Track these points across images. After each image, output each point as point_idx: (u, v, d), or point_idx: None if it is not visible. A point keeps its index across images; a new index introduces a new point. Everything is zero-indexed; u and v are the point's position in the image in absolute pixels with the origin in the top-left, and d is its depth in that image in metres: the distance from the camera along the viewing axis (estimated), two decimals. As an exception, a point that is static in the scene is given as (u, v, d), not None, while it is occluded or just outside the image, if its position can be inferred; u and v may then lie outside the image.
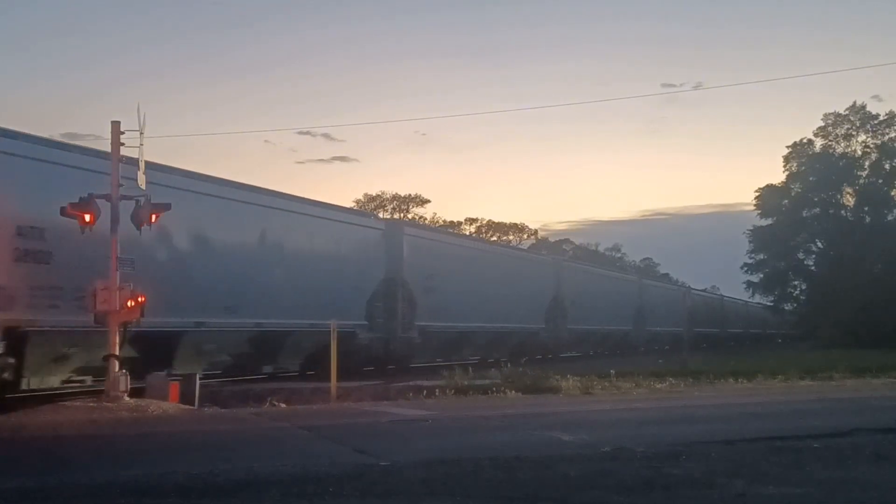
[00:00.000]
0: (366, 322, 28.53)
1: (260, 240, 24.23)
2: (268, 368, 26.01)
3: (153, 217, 16.52)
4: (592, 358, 43.73)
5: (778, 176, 69.96)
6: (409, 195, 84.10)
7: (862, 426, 13.62)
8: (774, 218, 66.57)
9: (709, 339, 66.22)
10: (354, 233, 29.02)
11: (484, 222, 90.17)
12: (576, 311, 45.97)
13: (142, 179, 16.70)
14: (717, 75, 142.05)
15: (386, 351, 30.35)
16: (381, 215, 67.68)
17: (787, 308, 75.19)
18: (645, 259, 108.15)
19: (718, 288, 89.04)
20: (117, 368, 16.21)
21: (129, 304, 16.14)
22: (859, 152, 65.87)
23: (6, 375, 16.60)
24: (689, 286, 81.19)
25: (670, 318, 59.75)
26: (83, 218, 15.97)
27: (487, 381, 21.71)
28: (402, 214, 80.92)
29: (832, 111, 66.05)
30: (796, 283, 71.68)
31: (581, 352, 48.47)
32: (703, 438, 12.25)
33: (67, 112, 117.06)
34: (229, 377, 23.17)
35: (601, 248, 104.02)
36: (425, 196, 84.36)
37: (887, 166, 64.54)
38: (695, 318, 62.37)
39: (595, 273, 57.46)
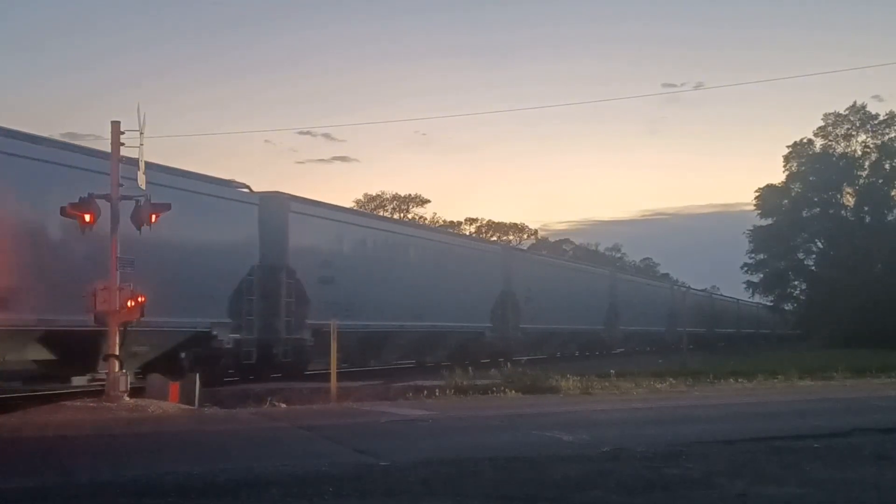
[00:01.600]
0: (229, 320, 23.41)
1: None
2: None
3: (153, 217, 16.51)
4: (553, 361, 37.06)
5: (778, 176, 70.11)
6: (409, 195, 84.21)
7: (862, 426, 13.62)
8: (774, 218, 66.61)
9: (695, 340, 61.56)
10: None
11: (484, 222, 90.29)
12: (531, 309, 41.09)
13: (141, 179, 16.71)
14: (718, 75, 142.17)
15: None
16: (381, 214, 67.64)
17: (786, 308, 75.24)
18: (645, 259, 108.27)
19: (718, 288, 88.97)
20: (117, 368, 16.20)
21: (129, 303, 16.14)
22: (859, 152, 65.93)
23: None
24: (681, 282, 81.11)
25: (650, 316, 57.84)
26: (83, 218, 15.98)
27: (487, 381, 21.72)
28: (402, 214, 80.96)
29: (832, 111, 66.27)
30: (796, 283, 71.76)
31: (543, 353, 43.43)
32: (703, 438, 12.25)
33: (68, 112, 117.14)
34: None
35: (601, 248, 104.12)
36: (425, 196, 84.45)
37: (887, 166, 64.57)
38: (678, 316, 60.38)
39: (555, 265, 52.42)
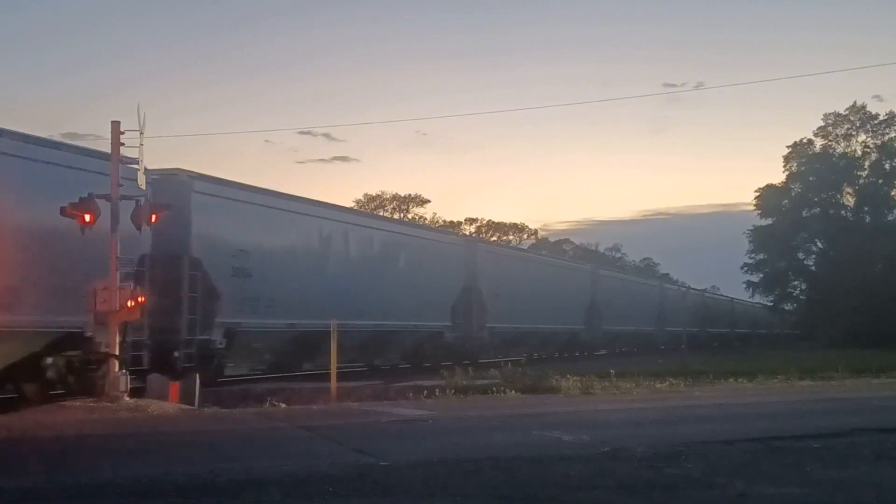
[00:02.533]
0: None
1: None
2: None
3: (153, 217, 16.51)
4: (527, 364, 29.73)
5: (778, 176, 70.11)
6: (409, 195, 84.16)
7: (862, 426, 13.62)
8: (774, 218, 66.61)
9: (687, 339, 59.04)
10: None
11: (484, 222, 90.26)
12: (499, 307, 37.38)
13: (141, 179, 16.71)
14: (718, 75, 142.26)
15: None
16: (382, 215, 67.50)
17: (787, 308, 75.22)
18: (645, 259, 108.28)
19: (718, 288, 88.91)
20: (117, 368, 16.20)
21: (129, 303, 16.14)
22: (859, 152, 65.93)
23: None
24: (681, 282, 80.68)
25: (636, 315, 54.46)
26: (83, 218, 15.98)
27: (487, 381, 21.72)
28: (402, 215, 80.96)
29: (832, 111, 66.26)
30: (796, 283, 71.75)
31: (515, 355, 35.30)
32: (703, 438, 12.25)
33: (69, 112, 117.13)
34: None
35: (601, 248, 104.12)
36: (425, 196, 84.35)
37: (887, 166, 64.58)
38: (666, 315, 59.83)
39: (528, 259, 48.75)
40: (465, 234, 64.12)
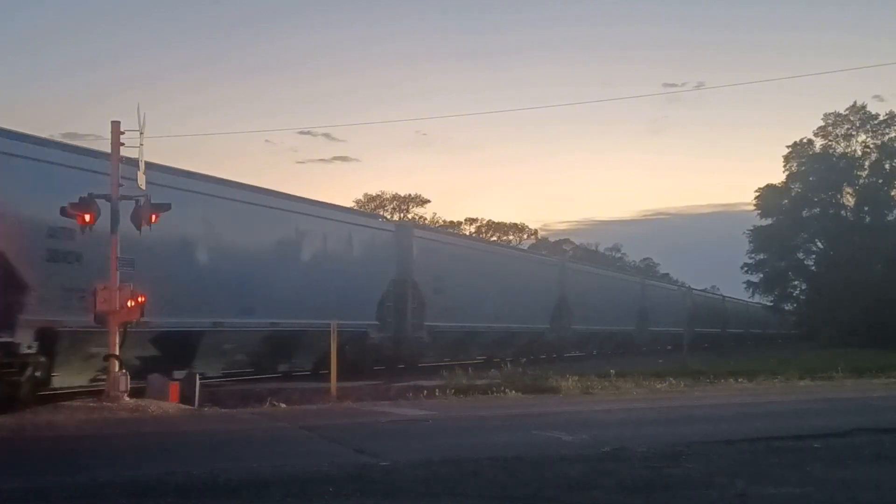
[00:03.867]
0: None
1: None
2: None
3: (153, 217, 16.51)
4: (477, 368, 27.33)
5: (778, 176, 70.15)
6: (409, 195, 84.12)
7: (862, 426, 13.63)
8: (774, 218, 66.64)
9: (673, 340, 56.89)
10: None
11: (484, 222, 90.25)
12: (441, 303, 32.68)
13: (142, 179, 16.70)
14: (719, 75, 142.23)
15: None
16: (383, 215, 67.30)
17: (787, 308, 75.21)
18: (645, 259, 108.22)
19: (718, 288, 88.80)
20: (117, 368, 16.21)
21: (129, 303, 16.13)
22: (859, 152, 65.95)
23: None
24: (683, 282, 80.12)
25: (613, 314, 50.19)
26: (83, 218, 15.97)
27: (487, 381, 21.72)
28: (402, 215, 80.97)
29: (832, 111, 66.27)
30: (796, 283, 71.77)
31: (465, 357, 34.19)
32: (703, 438, 12.25)
33: (70, 113, 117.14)
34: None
35: (601, 248, 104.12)
36: (425, 196, 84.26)
37: (887, 166, 64.58)
38: (648, 314, 57.17)
39: (478, 250, 43.01)
40: (396, 220, 57.03)
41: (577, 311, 45.16)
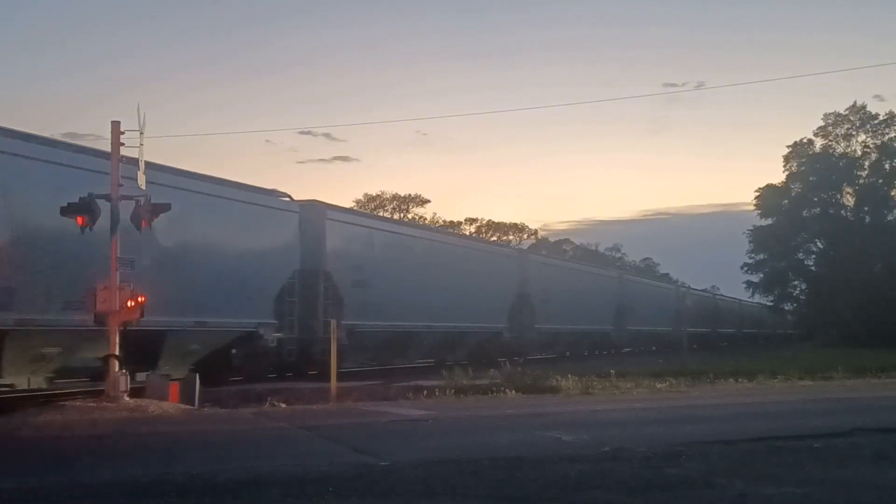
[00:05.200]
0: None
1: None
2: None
3: (153, 217, 16.49)
4: (417, 372, 28.16)
5: (778, 176, 70.22)
6: (409, 195, 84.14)
7: (862, 426, 13.62)
8: (774, 218, 66.68)
9: (657, 340, 57.25)
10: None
11: (484, 222, 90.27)
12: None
13: (141, 179, 16.68)
14: (719, 75, 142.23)
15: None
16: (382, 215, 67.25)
17: (786, 308, 75.19)
18: (645, 259, 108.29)
19: (718, 288, 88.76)
20: (117, 368, 16.20)
21: (129, 304, 16.12)
22: (859, 152, 65.99)
23: None
24: (682, 281, 79.80)
25: (588, 311, 47.21)
26: (81, 219, 15.96)
27: (487, 381, 21.72)
28: (402, 215, 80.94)
29: (832, 111, 66.30)
30: (796, 283, 71.83)
31: (406, 361, 32.36)
32: (703, 438, 12.24)
33: (70, 113, 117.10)
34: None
35: (601, 248, 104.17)
36: (425, 196, 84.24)
37: (887, 166, 64.62)
38: (626, 312, 54.13)
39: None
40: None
41: (541, 309, 41.55)
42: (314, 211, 27.36)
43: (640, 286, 60.79)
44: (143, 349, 19.76)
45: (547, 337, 42.57)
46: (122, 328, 16.36)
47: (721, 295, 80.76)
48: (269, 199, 25.54)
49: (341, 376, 24.73)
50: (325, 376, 22.54)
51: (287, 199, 26.10)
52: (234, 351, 23.15)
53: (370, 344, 28.97)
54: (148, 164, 16.82)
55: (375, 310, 28.47)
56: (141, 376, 18.33)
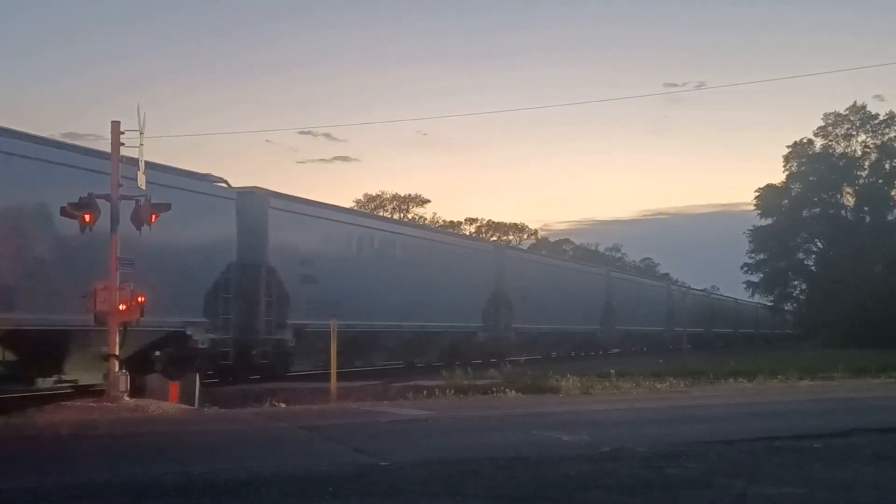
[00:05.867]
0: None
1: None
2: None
3: (153, 217, 16.50)
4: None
5: (778, 176, 70.17)
6: (409, 195, 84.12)
7: (862, 426, 13.63)
8: (774, 218, 66.68)
9: (643, 340, 56.57)
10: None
11: (484, 222, 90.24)
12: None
13: (141, 179, 16.69)
14: (719, 75, 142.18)
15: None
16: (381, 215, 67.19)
17: (786, 308, 75.16)
18: (645, 259, 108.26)
19: (718, 288, 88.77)
20: (117, 368, 16.20)
21: (129, 303, 16.12)
22: (859, 152, 65.98)
23: None
24: (680, 281, 79.39)
25: (567, 311, 44.49)
26: (83, 218, 15.97)
27: (487, 381, 21.72)
28: (401, 215, 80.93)
29: (832, 111, 66.29)
30: (796, 283, 71.84)
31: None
32: (703, 438, 12.25)
33: (70, 113, 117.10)
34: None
35: (601, 248, 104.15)
36: (425, 196, 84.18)
37: (887, 166, 64.62)
38: (614, 311, 51.18)
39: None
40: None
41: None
42: (254, 198, 24.91)
43: (629, 284, 57.70)
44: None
45: (526, 337, 40.15)
46: (121, 328, 16.38)
47: (717, 294, 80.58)
48: (200, 185, 23.00)
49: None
50: (275, 379, 22.85)
51: (223, 184, 23.92)
52: (157, 353, 20.70)
53: (321, 345, 22.66)
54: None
55: (328, 308, 24.83)
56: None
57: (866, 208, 65.14)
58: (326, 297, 26.01)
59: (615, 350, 52.63)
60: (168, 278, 19.73)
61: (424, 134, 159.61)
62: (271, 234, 24.74)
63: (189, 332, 21.57)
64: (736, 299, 79.13)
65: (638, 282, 64.95)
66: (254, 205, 24.54)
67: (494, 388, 20.43)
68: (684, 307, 57.72)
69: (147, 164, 16.87)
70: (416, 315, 31.02)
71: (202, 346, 22.05)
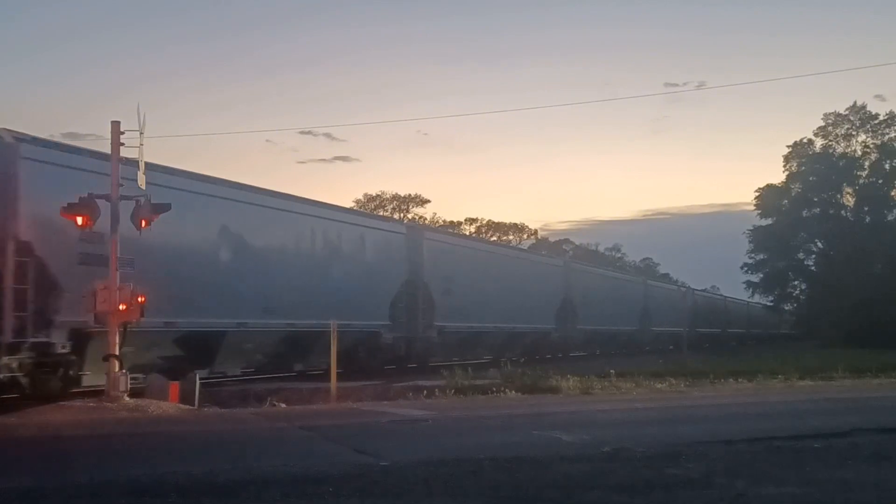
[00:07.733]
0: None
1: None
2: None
3: (153, 217, 16.49)
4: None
5: (778, 176, 70.18)
6: (409, 195, 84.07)
7: (862, 426, 13.62)
8: (774, 218, 66.65)
9: (627, 340, 54.19)
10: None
11: (484, 222, 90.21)
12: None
13: (141, 179, 16.69)
14: (720, 75, 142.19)
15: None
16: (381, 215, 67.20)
17: (787, 308, 75.11)
18: (645, 259, 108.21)
19: (718, 288, 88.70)
20: (117, 368, 16.20)
21: (129, 303, 16.12)
22: (859, 152, 65.95)
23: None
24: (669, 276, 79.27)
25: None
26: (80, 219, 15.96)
27: (487, 381, 21.71)
28: (401, 214, 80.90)
29: (832, 111, 66.26)
30: (796, 282, 71.84)
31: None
32: (703, 438, 12.25)
33: (70, 113, 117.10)
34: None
35: (601, 248, 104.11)
36: (425, 196, 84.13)
37: (887, 166, 64.59)
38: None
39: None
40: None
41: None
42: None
43: (594, 278, 51.68)
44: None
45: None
46: (121, 328, 16.38)
47: (714, 293, 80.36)
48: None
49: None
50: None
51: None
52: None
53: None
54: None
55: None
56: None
57: (866, 208, 65.11)
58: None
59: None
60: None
61: (424, 134, 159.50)
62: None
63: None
64: (748, 302, 78.50)
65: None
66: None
67: (494, 389, 20.43)
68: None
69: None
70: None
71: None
